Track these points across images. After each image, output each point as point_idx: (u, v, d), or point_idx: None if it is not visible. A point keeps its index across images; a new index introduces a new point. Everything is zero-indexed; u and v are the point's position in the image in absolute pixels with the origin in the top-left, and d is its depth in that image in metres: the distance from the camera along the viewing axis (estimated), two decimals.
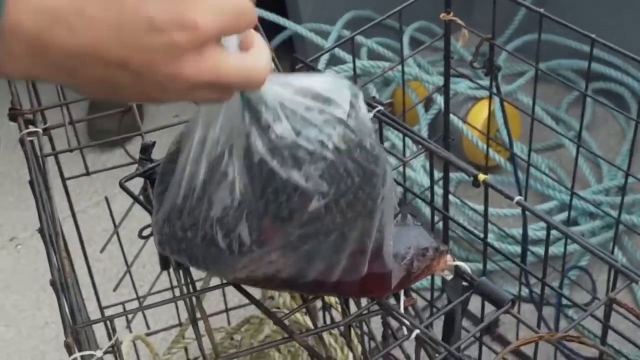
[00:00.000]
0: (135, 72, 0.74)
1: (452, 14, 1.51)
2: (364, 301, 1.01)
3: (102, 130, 2.25)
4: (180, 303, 1.76)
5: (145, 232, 1.12)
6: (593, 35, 1.39)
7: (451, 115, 2.02)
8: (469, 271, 0.99)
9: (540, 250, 1.96)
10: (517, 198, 1.08)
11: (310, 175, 0.86)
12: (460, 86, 2.22)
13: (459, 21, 1.49)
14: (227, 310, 1.79)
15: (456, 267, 1.00)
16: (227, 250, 0.90)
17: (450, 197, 1.72)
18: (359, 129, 0.88)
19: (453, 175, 2.13)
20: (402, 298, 0.96)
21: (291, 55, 1.39)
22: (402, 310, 0.96)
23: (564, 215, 2.07)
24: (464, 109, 2.23)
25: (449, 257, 1.00)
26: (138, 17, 0.71)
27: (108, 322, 0.98)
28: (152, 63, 0.73)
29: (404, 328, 0.94)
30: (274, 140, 0.85)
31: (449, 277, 1.02)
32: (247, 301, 1.82)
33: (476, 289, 0.97)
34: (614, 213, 1.80)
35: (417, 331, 0.92)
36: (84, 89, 0.77)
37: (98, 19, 0.71)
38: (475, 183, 1.12)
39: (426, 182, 2.06)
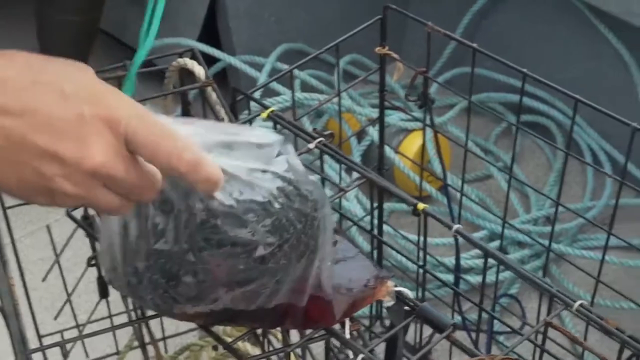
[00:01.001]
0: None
1: (387, 47, 1.55)
2: None
3: None
4: (119, 331, 1.77)
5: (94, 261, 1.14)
6: (525, 70, 1.44)
7: (387, 150, 2.07)
8: (411, 296, 1.02)
9: (471, 278, 2.01)
10: (456, 226, 1.12)
11: (256, 231, 0.89)
12: (392, 118, 2.27)
13: (394, 55, 1.54)
14: (164, 338, 1.80)
15: (398, 292, 1.04)
16: (172, 292, 0.92)
17: (384, 226, 1.76)
18: (296, 179, 0.92)
19: (386, 205, 2.17)
20: (348, 323, 0.99)
21: (230, 87, 1.43)
22: (347, 335, 0.99)
23: (494, 244, 2.11)
24: (395, 140, 2.28)
25: (390, 283, 1.03)
26: (52, 87, 0.73)
27: (60, 348, 1.00)
28: (56, 139, 0.73)
29: (350, 352, 0.97)
30: (216, 207, 0.88)
31: (390, 303, 1.05)
32: (183, 329, 1.85)
33: (418, 313, 1.01)
34: (542, 242, 1.85)
35: (361, 355, 0.95)
36: None
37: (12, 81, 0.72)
38: (415, 212, 1.16)
39: (359, 212, 2.09)
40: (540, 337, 1.12)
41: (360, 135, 2.32)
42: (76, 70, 0.75)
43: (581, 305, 1.02)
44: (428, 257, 1.90)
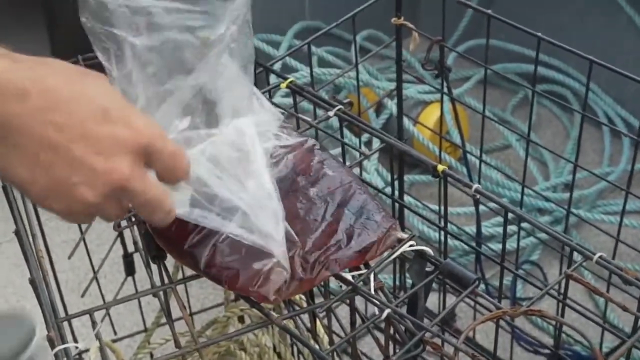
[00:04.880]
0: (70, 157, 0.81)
1: (402, 18, 1.56)
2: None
3: None
4: (147, 309, 1.80)
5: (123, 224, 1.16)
6: (539, 34, 1.44)
7: (405, 121, 2.09)
8: (432, 254, 1.04)
9: (493, 246, 2.02)
10: (475, 186, 1.13)
11: None
12: (410, 91, 2.28)
13: (410, 25, 1.55)
14: (191, 314, 1.82)
15: (420, 251, 1.05)
16: None
17: (405, 197, 1.78)
18: None
19: (406, 177, 2.18)
20: (372, 280, 1.01)
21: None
22: (372, 291, 1.00)
23: None
24: (413, 113, 2.29)
25: (412, 242, 1.05)
26: (94, 105, 0.82)
27: (90, 315, 1.02)
28: (91, 151, 0.82)
29: (375, 309, 0.99)
30: None
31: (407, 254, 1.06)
32: (210, 304, 1.87)
33: (442, 269, 1.02)
34: (562, 210, 1.87)
35: (388, 310, 0.97)
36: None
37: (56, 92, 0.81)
38: (435, 174, 1.17)
39: (380, 184, 2.11)
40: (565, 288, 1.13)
41: (379, 108, 2.34)
42: (107, 86, 0.86)
43: (600, 257, 1.03)
44: (449, 226, 1.92)
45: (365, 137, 2.20)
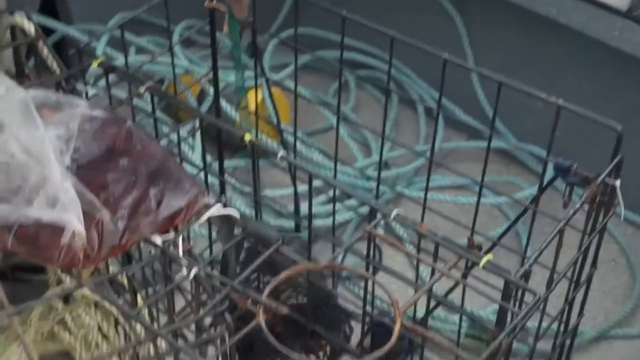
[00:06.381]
0: None
1: (215, 1, 1.60)
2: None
3: None
4: None
5: None
6: (344, 13, 1.51)
7: (223, 104, 2.13)
8: (238, 216, 1.08)
9: (320, 221, 2.08)
10: (281, 152, 1.19)
11: None
12: (232, 77, 2.31)
13: (222, 7, 1.59)
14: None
15: (229, 216, 1.10)
16: None
17: (227, 178, 1.81)
18: None
19: (228, 163, 2.22)
20: (180, 243, 1.05)
21: (65, 44, 1.46)
22: (180, 253, 1.04)
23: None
24: (235, 99, 2.32)
25: (219, 205, 1.09)
26: None
27: None
28: None
29: (184, 269, 1.03)
30: None
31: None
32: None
33: (247, 232, 1.07)
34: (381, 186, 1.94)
35: (195, 269, 1.01)
36: None
37: None
38: (242, 143, 1.21)
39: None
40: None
41: (201, 97, 2.36)
42: None
43: (397, 214, 1.09)
44: (270, 208, 1.96)
45: (190, 126, 2.23)
